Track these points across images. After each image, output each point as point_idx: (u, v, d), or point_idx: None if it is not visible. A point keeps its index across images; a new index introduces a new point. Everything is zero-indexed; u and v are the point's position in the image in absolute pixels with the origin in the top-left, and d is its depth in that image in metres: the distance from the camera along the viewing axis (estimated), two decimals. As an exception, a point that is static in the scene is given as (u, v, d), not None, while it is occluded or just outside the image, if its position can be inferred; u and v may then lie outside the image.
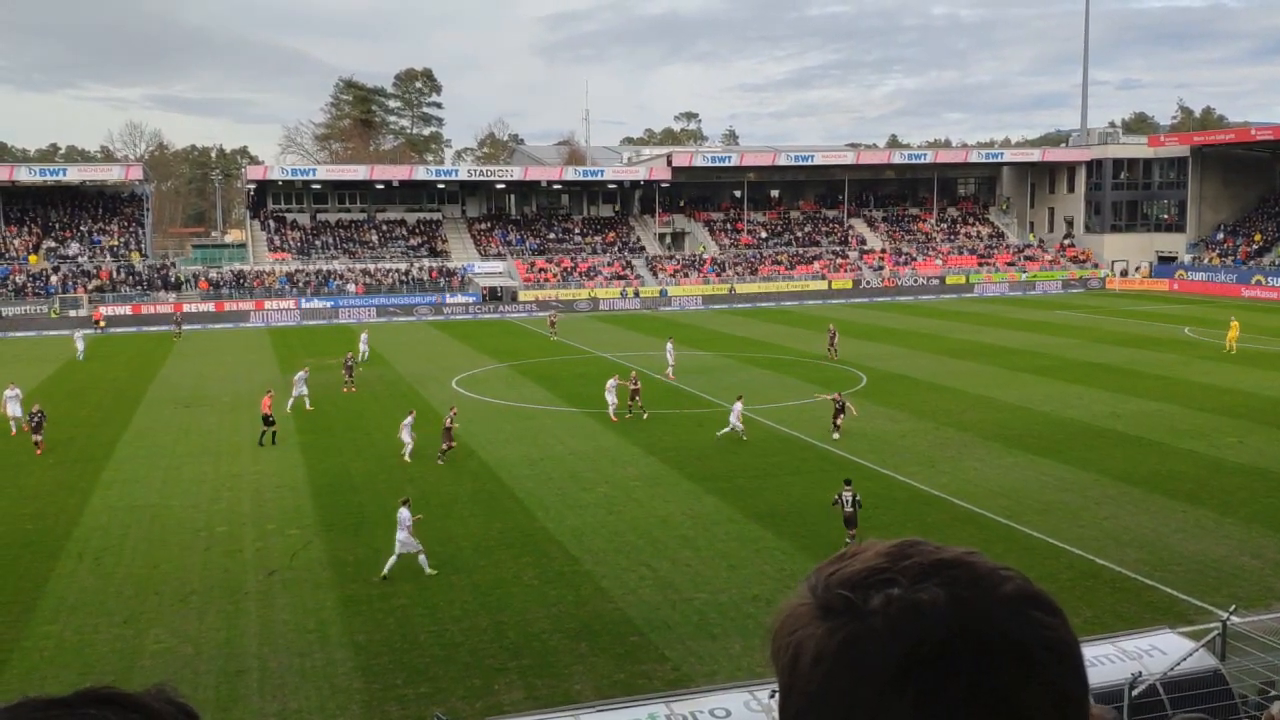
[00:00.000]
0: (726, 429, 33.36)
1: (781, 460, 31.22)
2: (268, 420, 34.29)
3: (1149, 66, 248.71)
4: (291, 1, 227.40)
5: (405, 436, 31.71)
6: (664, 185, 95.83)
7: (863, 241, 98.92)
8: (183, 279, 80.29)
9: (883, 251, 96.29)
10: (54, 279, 77.42)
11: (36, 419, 33.74)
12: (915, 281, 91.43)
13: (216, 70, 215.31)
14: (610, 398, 37.57)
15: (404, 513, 22.01)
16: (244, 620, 19.57)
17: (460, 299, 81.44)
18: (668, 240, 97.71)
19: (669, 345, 48.49)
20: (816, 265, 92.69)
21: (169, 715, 1.19)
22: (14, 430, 36.02)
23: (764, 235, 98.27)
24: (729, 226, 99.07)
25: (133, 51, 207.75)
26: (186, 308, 74.72)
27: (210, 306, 76.76)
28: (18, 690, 16.79)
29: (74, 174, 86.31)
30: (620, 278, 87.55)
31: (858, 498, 23.19)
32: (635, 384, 37.95)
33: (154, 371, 51.96)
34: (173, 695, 1.23)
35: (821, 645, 1.16)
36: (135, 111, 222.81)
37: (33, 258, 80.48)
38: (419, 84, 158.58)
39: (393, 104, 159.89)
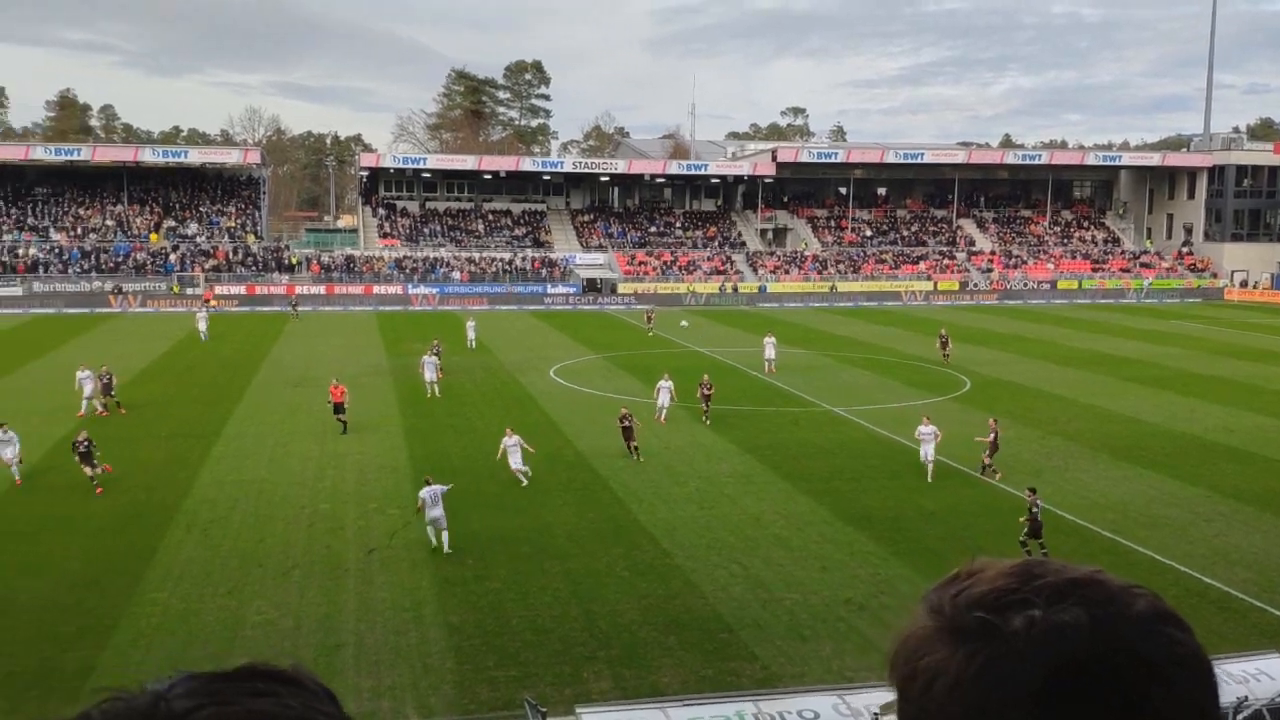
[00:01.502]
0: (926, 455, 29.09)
1: (879, 464, 30.79)
2: (339, 409, 34.04)
3: (1279, 71, 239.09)
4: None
5: (516, 462, 28.17)
6: (767, 180, 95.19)
7: (971, 242, 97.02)
8: (296, 261, 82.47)
9: (992, 253, 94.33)
10: (173, 257, 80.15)
11: (83, 449, 27.13)
12: (1025, 285, 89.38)
13: (335, 58, 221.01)
14: (662, 399, 35.86)
15: (435, 489, 22.67)
16: (343, 596, 20.04)
17: (561, 289, 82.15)
18: (769, 236, 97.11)
19: (770, 340, 47.92)
20: (922, 265, 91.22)
21: (321, 694, 1.18)
22: (100, 409, 36.21)
23: (869, 233, 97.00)
24: (833, 224, 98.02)
25: (256, 38, 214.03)
26: (298, 290, 76.72)
27: (321, 289, 78.70)
28: (126, 653, 17.46)
29: (195, 156, 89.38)
30: (719, 273, 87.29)
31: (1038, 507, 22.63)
32: (708, 388, 36.35)
33: (265, 351, 53.45)
34: (311, 675, 1.20)
35: (960, 670, 1.15)
36: (255, 97, 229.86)
37: (154, 236, 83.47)
38: (528, 75, 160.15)
39: (502, 95, 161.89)
